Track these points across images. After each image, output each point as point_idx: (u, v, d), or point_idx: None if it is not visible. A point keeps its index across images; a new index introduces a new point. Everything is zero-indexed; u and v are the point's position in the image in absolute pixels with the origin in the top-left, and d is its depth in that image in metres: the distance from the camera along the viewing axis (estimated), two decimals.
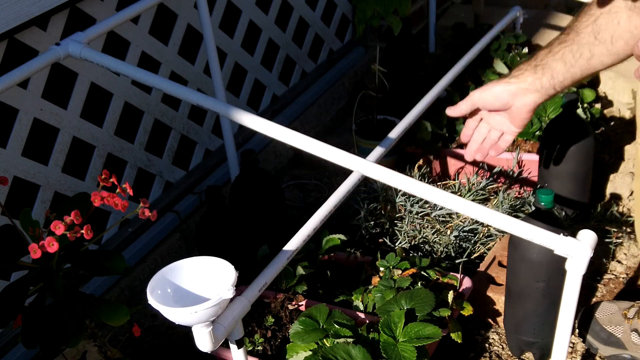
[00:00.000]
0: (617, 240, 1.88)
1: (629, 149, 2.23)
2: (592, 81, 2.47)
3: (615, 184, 2.10)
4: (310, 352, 1.32)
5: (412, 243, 1.83)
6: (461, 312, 1.49)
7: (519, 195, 2.01)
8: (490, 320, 1.69)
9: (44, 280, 1.18)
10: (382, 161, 1.48)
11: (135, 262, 1.89)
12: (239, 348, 1.15)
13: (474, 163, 2.08)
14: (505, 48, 2.45)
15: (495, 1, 3.00)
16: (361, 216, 1.90)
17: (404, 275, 1.54)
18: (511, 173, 2.03)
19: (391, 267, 1.57)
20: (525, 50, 2.50)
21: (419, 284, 1.52)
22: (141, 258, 1.91)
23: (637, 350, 1.51)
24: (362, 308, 1.53)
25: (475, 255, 1.82)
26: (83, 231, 1.12)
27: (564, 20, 2.87)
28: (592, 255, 1.06)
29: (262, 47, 2.35)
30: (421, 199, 1.89)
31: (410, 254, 1.76)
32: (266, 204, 1.87)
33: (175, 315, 1.01)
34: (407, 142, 2.16)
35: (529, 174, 2.05)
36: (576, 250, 1.05)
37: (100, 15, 1.74)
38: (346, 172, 1.39)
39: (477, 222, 1.84)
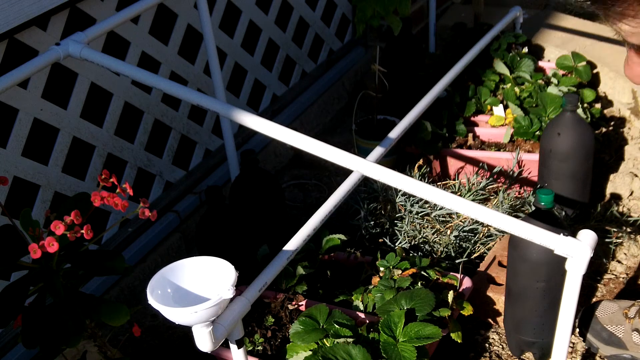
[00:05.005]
0: (617, 240, 1.88)
1: (629, 149, 2.23)
2: (592, 81, 2.47)
3: (615, 184, 2.10)
4: (310, 352, 1.32)
5: (412, 243, 1.83)
6: (461, 312, 1.49)
7: (519, 195, 2.01)
8: (490, 320, 1.69)
9: (44, 280, 1.18)
10: (382, 161, 1.48)
11: (135, 262, 1.89)
12: (239, 348, 1.15)
13: (474, 163, 2.08)
14: (505, 48, 2.45)
15: (495, 1, 3.00)
16: (361, 216, 1.90)
17: (404, 275, 1.54)
18: (511, 173, 2.03)
19: (391, 267, 1.57)
20: (525, 50, 2.50)
21: (419, 284, 1.52)
22: (141, 258, 1.91)
23: (638, 350, 1.51)
24: (362, 308, 1.53)
25: (475, 255, 1.82)
26: (83, 231, 1.12)
27: (564, 20, 2.87)
28: (592, 255, 1.06)
29: (262, 47, 2.35)
30: (421, 199, 1.89)
31: (410, 254, 1.76)
32: (266, 204, 1.87)
33: (175, 315, 1.01)
34: (407, 142, 2.16)
35: (529, 174, 2.05)
36: (576, 250, 1.05)
37: (100, 15, 1.74)
38: (346, 172, 1.39)
39: (477, 222, 1.84)
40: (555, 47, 2.67)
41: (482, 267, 1.72)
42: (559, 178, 1.87)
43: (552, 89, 2.24)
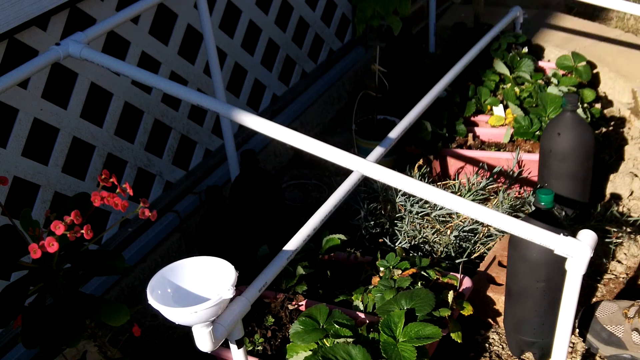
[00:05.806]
0: (617, 240, 1.88)
1: (629, 149, 2.23)
2: (592, 81, 2.47)
3: (615, 184, 2.10)
4: (310, 352, 1.32)
5: (412, 243, 1.83)
6: (461, 312, 1.49)
7: (519, 195, 2.01)
8: (490, 320, 1.69)
9: (44, 280, 1.18)
10: (382, 161, 1.48)
11: (135, 262, 1.89)
12: (239, 348, 1.15)
13: (474, 163, 2.08)
14: (505, 48, 2.45)
15: (495, 1, 3.00)
16: (361, 216, 1.90)
17: (404, 275, 1.54)
18: (511, 173, 2.03)
19: (391, 267, 1.57)
20: (525, 50, 2.50)
21: (419, 284, 1.52)
22: (141, 258, 1.91)
23: (637, 350, 1.51)
24: (362, 308, 1.53)
25: (475, 255, 1.82)
26: (83, 231, 1.12)
27: (564, 20, 2.87)
28: (592, 255, 1.06)
29: (262, 47, 2.35)
30: (421, 199, 1.89)
31: (410, 254, 1.76)
32: (266, 204, 1.87)
33: (175, 315, 1.01)
34: (407, 142, 2.16)
35: (529, 174, 2.05)
36: (576, 250, 1.05)
37: (100, 15, 1.74)
38: (346, 172, 1.39)
39: (477, 222, 1.84)
40: (555, 47, 2.67)
41: (482, 267, 1.72)
42: (559, 178, 1.87)
43: (552, 89, 2.24)
